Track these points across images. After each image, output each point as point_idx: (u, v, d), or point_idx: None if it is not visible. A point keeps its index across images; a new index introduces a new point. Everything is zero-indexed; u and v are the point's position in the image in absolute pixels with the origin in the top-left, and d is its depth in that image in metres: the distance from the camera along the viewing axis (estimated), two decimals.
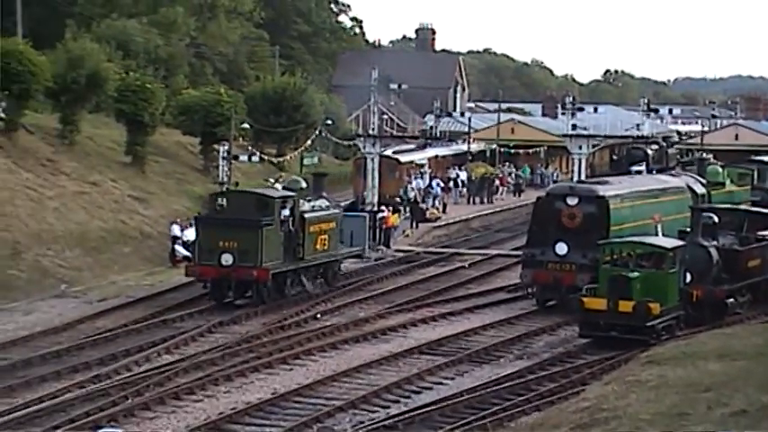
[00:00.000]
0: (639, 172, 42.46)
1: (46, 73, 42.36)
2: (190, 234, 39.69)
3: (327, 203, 35.33)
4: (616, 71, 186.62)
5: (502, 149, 70.33)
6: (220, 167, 45.54)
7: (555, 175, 70.27)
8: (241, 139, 55.09)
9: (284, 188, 34.56)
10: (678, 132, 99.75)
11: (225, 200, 32.37)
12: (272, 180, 52.35)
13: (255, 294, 31.62)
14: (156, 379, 23.60)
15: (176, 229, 39.40)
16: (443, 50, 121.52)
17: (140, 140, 47.31)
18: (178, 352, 26.62)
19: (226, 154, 45.81)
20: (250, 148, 53.22)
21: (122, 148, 47.58)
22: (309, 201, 34.21)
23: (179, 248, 39.05)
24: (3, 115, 42.62)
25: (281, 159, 58.01)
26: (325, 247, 34.09)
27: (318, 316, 31.06)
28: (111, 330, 28.14)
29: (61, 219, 38.24)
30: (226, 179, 45.52)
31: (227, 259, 30.96)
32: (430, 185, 56.36)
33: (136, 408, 21.70)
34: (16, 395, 22.50)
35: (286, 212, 32.30)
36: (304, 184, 35.06)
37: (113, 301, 32.10)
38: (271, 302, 31.53)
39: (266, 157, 55.99)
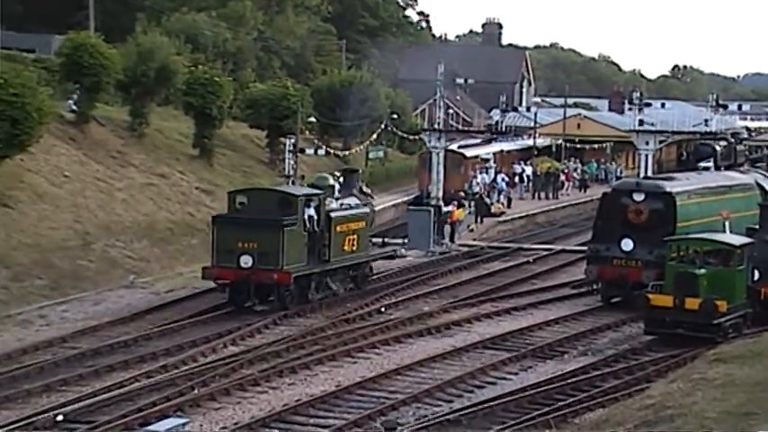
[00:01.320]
0: (707, 168, 42.07)
1: (117, 66, 42.94)
2: None
3: (358, 201, 33.54)
4: (684, 66, 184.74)
5: (568, 144, 69.92)
6: (286, 160, 45.59)
7: (618, 170, 69.71)
8: (307, 132, 55.39)
9: (311, 186, 32.67)
10: (747, 129, 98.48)
11: (245, 198, 30.63)
12: (337, 174, 52.59)
13: (277, 299, 29.84)
14: (221, 370, 23.83)
15: None
16: (510, 45, 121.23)
17: (208, 133, 47.81)
18: (244, 343, 26.86)
19: (292, 147, 45.85)
20: (316, 141, 53.49)
21: (190, 140, 48.11)
22: (338, 199, 32.50)
23: None
24: (75, 108, 43.31)
25: (346, 153, 58.25)
26: (354, 249, 32.22)
27: (383, 310, 31.14)
28: (178, 321, 28.46)
29: (130, 210, 38.78)
30: (291, 172, 45.70)
31: (246, 261, 29.13)
32: (495, 180, 56.23)
33: (202, 398, 21.92)
34: (85, 383, 22.87)
35: (311, 212, 30.46)
36: (332, 182, 33.36)
37: (180, 292, 32.44)
38: (294, 308, 29.81)
39: (332, 151, 56.26)
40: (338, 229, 31.51)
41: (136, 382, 22.94)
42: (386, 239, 37.74)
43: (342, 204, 32.44)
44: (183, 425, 19.86)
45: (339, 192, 33.11)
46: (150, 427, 19.60)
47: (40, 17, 64.48)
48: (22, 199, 35.08)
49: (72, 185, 38.00)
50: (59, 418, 20.03)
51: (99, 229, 36.20)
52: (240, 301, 29.59)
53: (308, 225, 30.31)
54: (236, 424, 20.38)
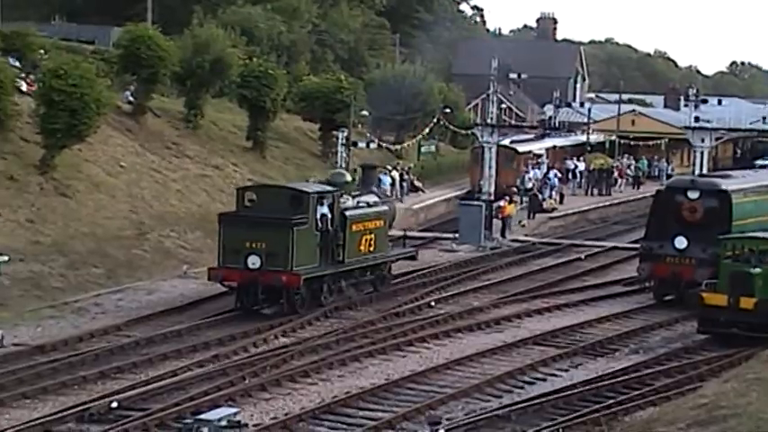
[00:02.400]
0: (764, 166, 41.62)
1: (173, 58, 43.36)
2: None
3: (377, 199, 32.05)
4: (742, 63, 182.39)
5: (621, 141, 69.50)
6: (339, 153, 46.03)
7: (670, 168, 69.13)
8: (360, 125, 55.61)
9: (327, 182, 31.11)
10: None
11: (255, 195, 29.23)
12: (389, 168, 52.73)
13: (286, 302, 28.21)
14: (272, 360, 24.00)
15: None
16: (564, 40, 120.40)
17: (261, 125, 48.13)
18: (294, 335, 27.03)
19: (344, 140, 46.26)
20: (368, 134, 53.68)
21: (244, 132, 48.47)
22: (355, 197, 31.14)
23: None
24: (132, 99, 43.80)
25: (398, 147, 58.34)
26: (371, 249, 30.55)
27: (433, 304, 31.17)
28: (231, 311, 28.68)
29: (184, 201, 39.18)
30: (344, 165, 45.98)
31: (254, 262, 27.63)
32: (547, 176, 56.03)
33: (253, 388, 22.10)
34: (139, 371, 23.16)
35: (324, 210, 28.80)
36: (349, 178, 31.94)
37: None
38: (305, 312, 28.29)
39: (384, 144, 56.41)
40: (354, 228, 29.88)
41: (188, 371, 23.19)
42: (407, 233, 36.13)
43: (359, 202, 30.93)
44: (234, 414, 20.10)
45: (358, 188, 32.18)
46: (202, 417, 19.83)
47: (99, 9, 65.28)
48: (80, 188, 35.56)
49: (128, 176, 38.46)
50: (114, 404, 20.30)
51: (154, 219, 36.60)
52: (248, 303, 28.25)
53: (320, 224, 28.78)
54: (286, 415, 20.53)
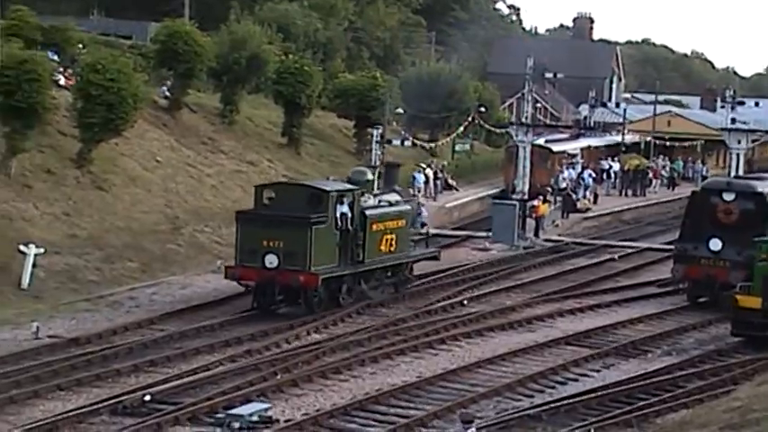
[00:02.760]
0: None
1: (210, 54, 43.56)
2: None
3: (399, 198, 31.45)
4: None
5: (657, 142, 69.16)
6: (373, 151, 46.04)
7: (705, 169, 68.69)
8: (395, 123, 55.63)
9: (348, 180, 30.32)
10: None
11: (273, 193, 28.76)
12: (423, 165, 52.76)
13: (304, 303, 27.89)
14: (304, 357, 24.10)
15: None
16: (601, 40, 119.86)
17: (296, 122, 48.28)
18: (327, 331, 27.11)
19: (379, 138, 46.28)
20: (403, 132, 53.68)
21: (279, 129, 48.63)
22: (377, 195, 30.62)
23: None
24: (168, 94, 44.05)
25: (432, 145, 58.34)
26: (392, 249, 30.03)
27: (465, 302, 31.17)
28: (263, 307, 28.78)
29: (218, 196, 39.37)
30: (378, 162, 46.03)
31: (271, 261, 27.25)
32: (581, 176, 55.85)
33: (284, 384, 22.19)
34: (172, 365, 23.33)
35: (343, 209, 28.25)
36: (370, 176, 31.08)
37: None
38: (323, 312, 27.91)
39: (418, 142, 56.41)
40: (374, 227, 29.35)
41: (220, 365, 23.32)
42: (428, 231, 35.72)
43: (380, 201, 30.40)
44: (266, 410, 20.23)
45: (380, 187, 31.68)
46: (234, 411, 19.98)
47: (137, 4, 65.71)
48: (116, 182, 35.82)
49: (163, 170, 38.69)
50: (147, 397, 20.45)
51: (188, 213, 36.81)
52: (265, 303, 27.93)
53: (339, 223, 28.28)
54: (317, 411, 20.59)
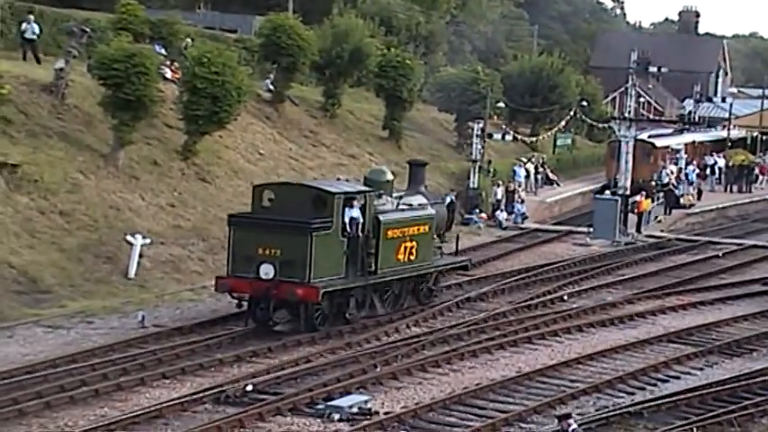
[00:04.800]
0: None
1: (313, 47, 43.85)
2: None
3: (424, 201, 28.23)
4: None
5: (764, 137, 67.77)
6: (474, 145, 45.98)
7: None
8: (496, 117, 55.45)
9: (365, 181, 27.46)
10: None
11: (273, 194, 25.75)
12: (524, 160, 52.51)
13: (304, 318, 24.87)
14: (404, 350, 24.19)
15: None
16: (707, 34, 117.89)
17: (398, 115, 48.38)
18: (426, 325, 27.18)
19: (480, 132, 46.20)
20: (504, 126, 53.49)
21: (380, 122, 48.79)
22: (398, 197, 27.51)
23: None
24: (271, 87, 44.51)
25: (534, 139, 58.03)
26: (413, 258, 26.98)
27: (565, 298, 31.00)
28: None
29: None
30: (479, 157, 45.98)
31: (266, 271, 24.21)
32: (685, 171, 55.06)
33: (384, 377, 22.30)
34: (273, 356, 23.60)
35: (353, 213, 25.18)
36: (390, 177, 27.76)
37: None
38: (328, 329, 25.21)
39: (519, 137, 56.17)
40: (389, 234, 26.26)
41: (321, 357, 23.53)
42: (458, 236, 32.49)
43: (399, 204, 27.24)
44: (365, 402, 20.38)
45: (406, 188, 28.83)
46: (334, 403, 20.17)
47: None
48: (219, 174, 36.34)
49: (266, 163, 39.14)
50: (249, 387, 20.75)
51: None
52: (263, 318, 24.97)
53: (348, 229, 25.21)
54: (416, 404, 20.67)
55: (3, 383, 20.28)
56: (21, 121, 32.01)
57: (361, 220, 25.44)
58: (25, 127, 31.98)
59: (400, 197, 27.61)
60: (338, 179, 28.83)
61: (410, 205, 27.59)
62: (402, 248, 26.73)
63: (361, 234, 25.47)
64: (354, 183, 27.54)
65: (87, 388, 20.43)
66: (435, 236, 28.67)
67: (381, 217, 26.15)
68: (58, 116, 33.64)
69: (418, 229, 27.23)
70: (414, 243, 26.99)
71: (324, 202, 25.00)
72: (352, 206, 25.27)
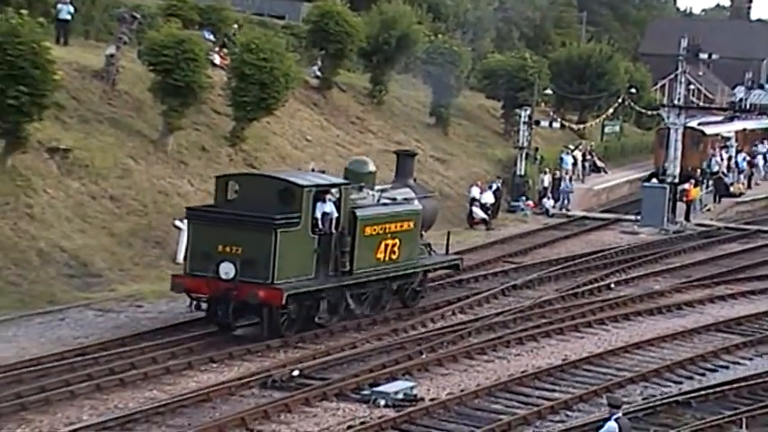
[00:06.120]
0: None
1: (360, 34, 43.89)
2: (487, 197, 40.37)
3: (411, 194, 26.26)
4: None
5: None
6: (521, 132, 45.85)
7: None
8: (543, 104, 55.18)
9: (345, 172, 25.65)
10: None
11: (237, 185, 23.65)
12: (571, 147, 52.24)
13: (267, 322, 22.68)
14: (449, 337, 24.21)
15: (475, 191, 40.12)
16: (759, 20, 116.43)
17: (445, 102, 48.30)
18: (472, 312, 27.19)
19: (527, 119, 46.04)
20: (551, 113, 53.24)
21: (427, 109, 48.75)
22: (381, 191, 25.57)
23: (476, 210, 39.79)
24: (318, 74, 44.61)
25: (581, 126, 57.72)
26: (395, 257, 24.94)
27: (612, 286, 30.87)
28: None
29: None
30: (525, 144, 45.84)
31: (226, 271, 22.23)
32: (735, 159, 54.52)
33: (429, 363, 22.33)
34: (320, 342, 23.70)
35: (326, 208, 23.23)
36: (372, 168, 25.90)
37: None
38: (293, 336, 23.22)
39: (567, 124, 55.87)
40: (367, 231, 24.20)
41: (367, 343, 23.60)
42: (450, 233, 29.84)
43: (380, 199, 25.26)
44: (411, 388, 20.44)
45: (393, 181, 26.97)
46: (379, 388, 20.25)
47: None
48: (267, 160, 36.50)
49: (313, 149, 39.25)
50: (296, 372, 20.88)
51: None
52: (224, 320, 22.89)
53: (321, 225, 23.28)
54: (462, 391, 20.69)
55: (55, 366, 20.56)
56: (72, 107, 32.34)
57: (335, 216, 23.43)
58: (77, 112, 32.31)
59: (383, 191, 25.70)
60: (312, 170, 27.14)
61: (393, 199, 25.59)
62: (382, 246, 24.68)
63: (334, 231, 23.49)
64: (325, 175, 25.47)
65: (137, 371, 20.64)
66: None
67: (359, 212, 24.04)
68: (109, 102, 33.95)
69: (401, 226, 25.10)
70: (396, 240, 24.95)
71: (292, 196, 22.85)
72: (324, 200, 23.27)
